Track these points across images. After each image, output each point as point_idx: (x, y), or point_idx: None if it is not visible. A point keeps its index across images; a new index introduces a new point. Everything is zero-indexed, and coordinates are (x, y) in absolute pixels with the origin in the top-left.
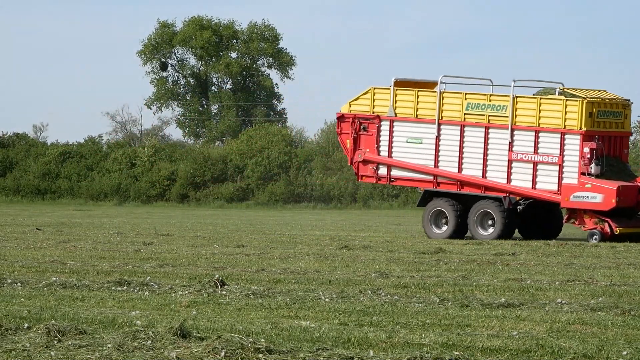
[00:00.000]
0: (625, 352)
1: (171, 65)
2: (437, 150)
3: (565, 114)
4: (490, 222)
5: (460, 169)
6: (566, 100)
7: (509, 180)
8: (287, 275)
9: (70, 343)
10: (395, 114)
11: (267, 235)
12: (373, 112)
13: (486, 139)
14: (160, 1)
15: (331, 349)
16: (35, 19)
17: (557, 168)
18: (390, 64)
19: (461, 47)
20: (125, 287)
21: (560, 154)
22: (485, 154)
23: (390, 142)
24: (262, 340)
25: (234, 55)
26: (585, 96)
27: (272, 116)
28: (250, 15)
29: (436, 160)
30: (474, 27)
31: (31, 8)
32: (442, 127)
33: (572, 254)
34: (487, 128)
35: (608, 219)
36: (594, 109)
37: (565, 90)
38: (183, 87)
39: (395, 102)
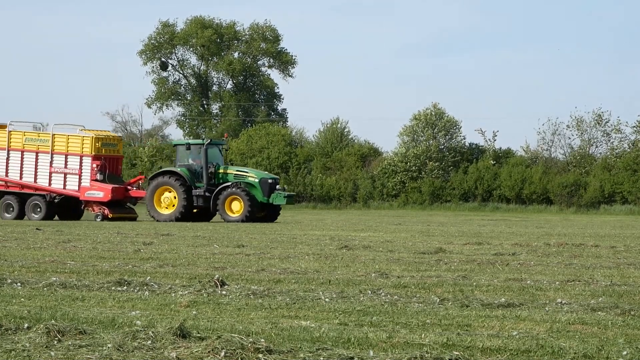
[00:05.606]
0: (625, 352)
1: (172, 65)
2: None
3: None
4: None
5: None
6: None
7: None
8: (287, 275)
9: (70, 343)
10: None
11: (267, 235)
12: None
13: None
14: (161, 1)
15: (331, 349)
16: (35, 18)
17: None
18: (391, 64)
19: (461, 48)
20: (125, 287)
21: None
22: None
23: None
24: (262, 340)
25: (235, 55)
26: (93, 135)
27: (272, 116)
28: (251, 15)
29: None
30: (477, 25)
31: (31, 7)
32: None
33: (572, 254)
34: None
35: (105, 207)
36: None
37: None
38: (184, 87)
39: None
